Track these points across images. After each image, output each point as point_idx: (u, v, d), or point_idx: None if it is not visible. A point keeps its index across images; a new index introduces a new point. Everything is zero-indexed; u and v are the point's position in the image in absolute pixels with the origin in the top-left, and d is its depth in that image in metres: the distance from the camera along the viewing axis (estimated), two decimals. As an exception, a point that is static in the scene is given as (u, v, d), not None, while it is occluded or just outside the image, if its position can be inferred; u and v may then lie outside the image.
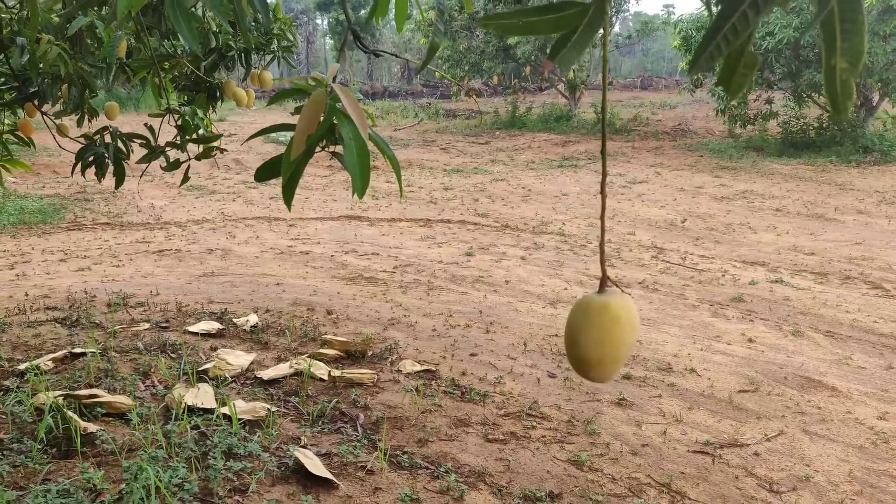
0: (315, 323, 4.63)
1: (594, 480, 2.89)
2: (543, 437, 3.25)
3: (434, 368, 4.00)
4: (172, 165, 2.34)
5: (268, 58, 3.44)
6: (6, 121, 3.61)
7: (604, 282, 0.74)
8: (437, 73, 24.97)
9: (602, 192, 0.73)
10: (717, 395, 3.84)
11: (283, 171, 1.13)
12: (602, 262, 0.77)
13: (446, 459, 2.98)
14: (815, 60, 13.26)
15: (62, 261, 6.31)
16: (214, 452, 2.79)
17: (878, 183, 11.25)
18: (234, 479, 2.66)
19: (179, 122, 2.44)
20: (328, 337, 4.27)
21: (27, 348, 4.01)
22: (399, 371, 3.94)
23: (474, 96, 19.56)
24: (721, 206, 9.86)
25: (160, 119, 2.41)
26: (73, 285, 5.33)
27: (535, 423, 3.38)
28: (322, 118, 1.10)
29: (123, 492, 2.51)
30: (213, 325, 4.46)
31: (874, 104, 14.59)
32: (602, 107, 0.73)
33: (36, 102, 2.95)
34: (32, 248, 6.87)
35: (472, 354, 4.27)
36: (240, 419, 3.17)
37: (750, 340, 4.78)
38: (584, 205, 9.83)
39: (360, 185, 1.12)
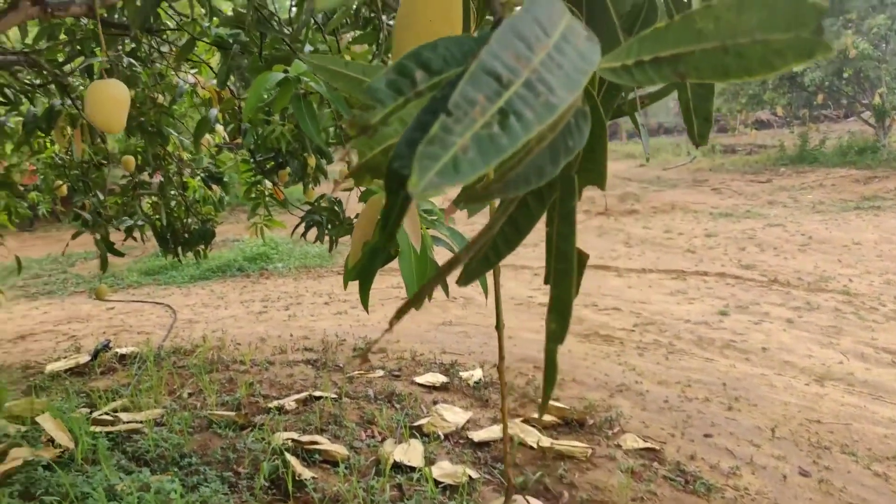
0: (538, 383, 4.48)
1: None
2: (780, 554, 2.68)
3: (658, 447, 3.58)
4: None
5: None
6: (268, 187, 4.16)
7: (509, 494, 0.51)
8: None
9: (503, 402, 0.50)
10: None
11: (344, 280, 1.06)
12: (507, 463, 0.54)
13: (649, 564, 2.61)
14: None
15: (326, 304, 7.07)
16: (405, 517, 2.79)
17: None
18: (417, 550, 2.62)
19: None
20: (545, 400, 4.10)
21: (281, 387, 4.51)
22: (618, 446, 3.61)
23: (753, 129, 17.89)
24: None
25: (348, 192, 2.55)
26: (328, 328, 5.91)
27: (771, 535, 2.81)
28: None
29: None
30: (439, 378, 4.56)
31: None
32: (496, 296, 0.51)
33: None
34: (306, 291, 7.83)
35: (706, 435, 3.75)
36: (440, 482, 3.15)
37: None
38: (882, 256, 8.22)
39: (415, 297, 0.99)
